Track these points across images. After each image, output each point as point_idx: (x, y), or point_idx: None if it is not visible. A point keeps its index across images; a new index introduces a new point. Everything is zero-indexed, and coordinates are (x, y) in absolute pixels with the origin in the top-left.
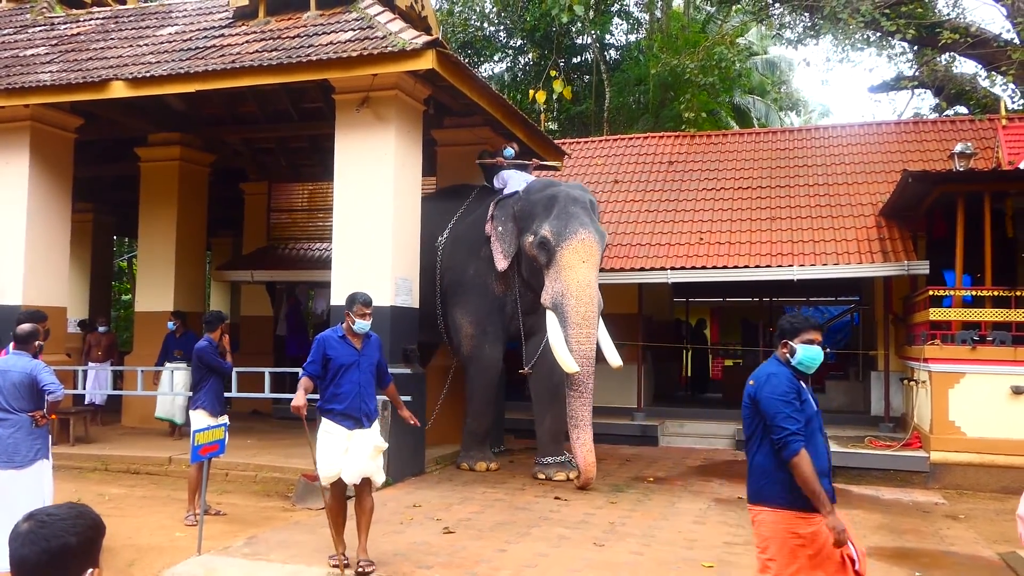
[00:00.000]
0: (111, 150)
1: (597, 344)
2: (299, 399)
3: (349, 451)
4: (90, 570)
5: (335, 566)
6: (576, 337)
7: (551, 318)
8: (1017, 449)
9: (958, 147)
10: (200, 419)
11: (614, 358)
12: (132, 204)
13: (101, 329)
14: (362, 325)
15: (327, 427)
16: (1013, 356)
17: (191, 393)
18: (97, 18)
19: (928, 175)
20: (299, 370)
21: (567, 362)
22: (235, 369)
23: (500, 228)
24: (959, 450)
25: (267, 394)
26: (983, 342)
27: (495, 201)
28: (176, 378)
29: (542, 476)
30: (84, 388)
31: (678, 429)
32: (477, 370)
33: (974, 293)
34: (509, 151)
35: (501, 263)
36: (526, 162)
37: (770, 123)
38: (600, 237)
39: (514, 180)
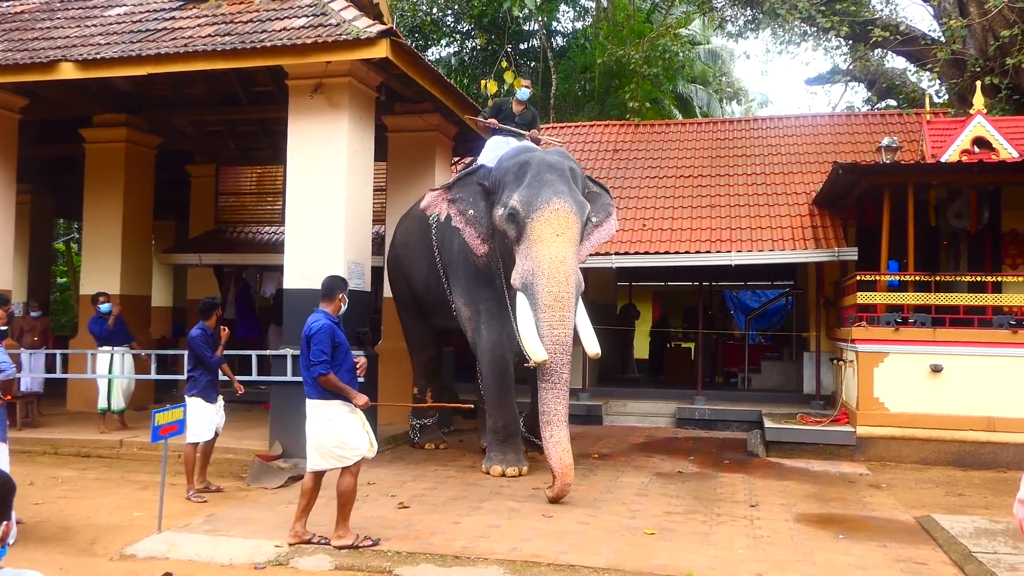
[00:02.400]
0: (51, 130)
1: (575, 329)
2: (361, 397)
3: (365, 425)
4: (3, 523)
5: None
6: (547, 321)
7: (521, 301)
8: (935, 423)
9: (885, 141)
10: (197, 406)
11: (592, 345)
12: (72, 185)
13: (34, 314)
14: (344, 309)
15: (346, 408)
16: (932, 337)
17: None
18: None
19: (857, 167)
20: (250, 352)
21: (534, 349)
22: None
23: (471, 211)
24: (883, 425)
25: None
26: (905, 324)
27: (452, 181)
28: (124, 365)
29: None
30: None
31: (621, 408)
32: (480, 355)
33: (896, 278)
34: (523, 92)
35: (480, 248)
36: (518, 131)
37: (712, 112)
38: (579, 207)
39: (489, 150)
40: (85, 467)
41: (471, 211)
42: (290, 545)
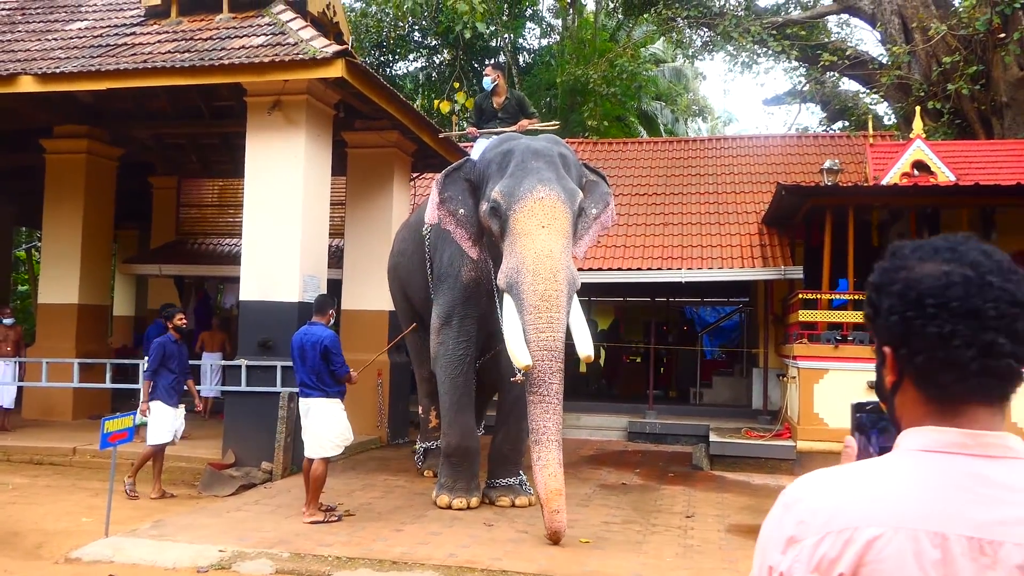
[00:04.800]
0: (12, 139)
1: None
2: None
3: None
4: None
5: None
6: (534, 324)
7: (507, 303)
8: None
9: (827, 163)
10: (158, 408)
11: (584, 347)
12: (31, 193)
13: (7, 322)
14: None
15: (342, 406)
16: (870, 354)
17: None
18: (3, 9)
19: (799, 189)
20: (207, 363)
21: (517, 354)
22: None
23: (462, 211)
24: (822, 439)
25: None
26: (845, 341)
27: (440, 179)
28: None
29: (486, 501)
30: None
31: (574, 422)
32: (440, 369)
33: (837, 297)
34: (486, 81)
35: (473, 251)
36: (504, 130)
37: (676, 129)
38: (568, 195)
39: (478, 147)
40: (37, 474)
41: (461, 210)
42: (306, 524)
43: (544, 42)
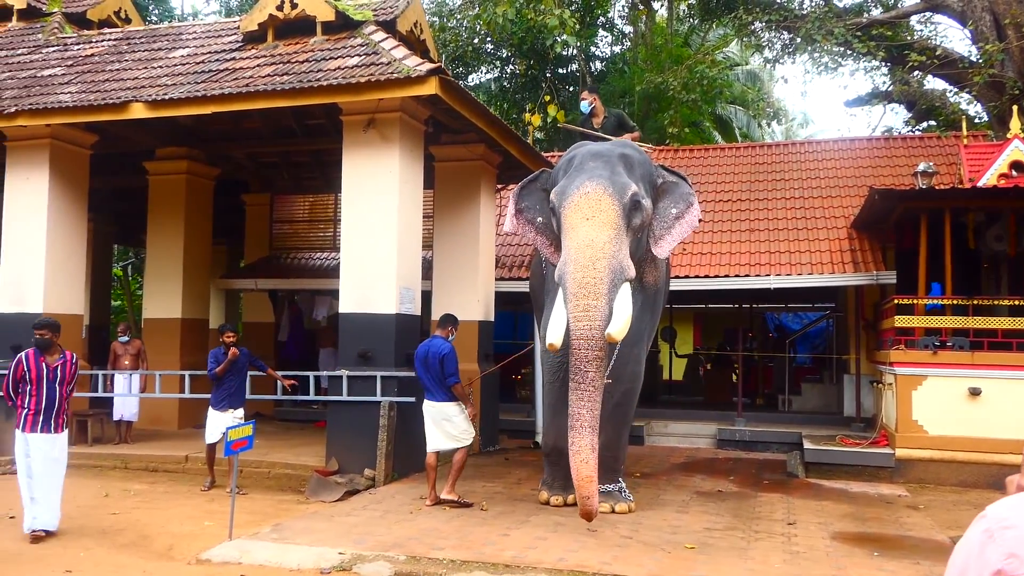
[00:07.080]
0: (114, 162)
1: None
2: (473, 409)
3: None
4: None
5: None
6: (573, 312)
7: (559, 296)
8: (973, 446)
9: (921, 166)
10: (208, 413)
11: (614, 325)
12: (131, 214)
13: (123, 339)
14: (452, 338)
15: (461, 407)
16: (970, 360)
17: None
18: (109, 39)
19: (892, 193)
20: (307, 373)
21: (548, 335)
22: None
23: (540, 219)
24: (922, 447)
25: (278, 396)
26: (943, 347)
27: (516, 191)
28: None
29: None
30: (112, 397)
31: (663, 429)
32: (543, 370)
33: (933, 302)
34: (583, 104)
35: (554, 257)
36: (607, 136)
37: (751, 133)
38: (617, 189)
39: None
40: (154, 481)
41: (540, 219)
42: (428, 505)
43: (616, 49)
